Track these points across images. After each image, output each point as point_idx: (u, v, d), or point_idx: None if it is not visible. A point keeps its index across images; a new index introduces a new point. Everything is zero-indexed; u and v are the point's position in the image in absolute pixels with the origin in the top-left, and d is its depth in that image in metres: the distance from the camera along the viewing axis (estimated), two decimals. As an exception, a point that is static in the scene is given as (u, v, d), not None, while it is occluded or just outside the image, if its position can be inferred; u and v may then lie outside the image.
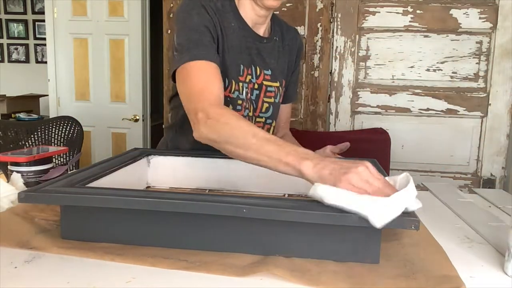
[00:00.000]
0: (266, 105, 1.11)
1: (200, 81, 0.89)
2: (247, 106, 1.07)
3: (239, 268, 0.60)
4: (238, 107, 1.05)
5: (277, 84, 1.13)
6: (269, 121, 1.14)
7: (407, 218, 0.58)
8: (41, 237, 0.69)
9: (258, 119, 1.12)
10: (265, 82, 1.10)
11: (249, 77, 1.07)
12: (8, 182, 0.94)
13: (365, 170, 0.63)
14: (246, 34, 1.05)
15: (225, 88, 1.01)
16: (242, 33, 1.04)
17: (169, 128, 1.18)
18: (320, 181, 0.65)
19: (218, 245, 0.66)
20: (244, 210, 0.60)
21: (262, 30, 1.09)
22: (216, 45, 0.97)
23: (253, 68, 1.07)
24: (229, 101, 1.03)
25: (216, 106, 0.86)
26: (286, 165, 0.71)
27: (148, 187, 1.03)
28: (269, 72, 1.10)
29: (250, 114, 1.09)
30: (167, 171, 1.02)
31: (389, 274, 0.59)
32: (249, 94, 1.07)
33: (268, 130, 1.15)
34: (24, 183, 0.95)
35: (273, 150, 0.73)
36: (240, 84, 1.04)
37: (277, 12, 1.99)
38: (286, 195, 0.98)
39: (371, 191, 0.61)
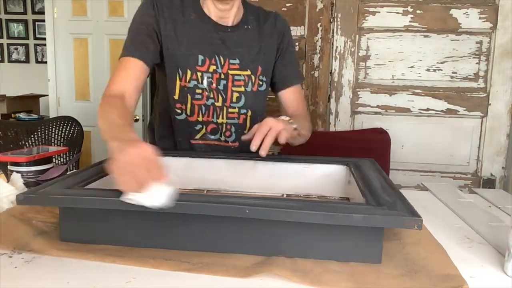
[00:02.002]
0: (236, 94, 1.11)
1: (118, 74, 1.01)
2: (211, 96, 1.09)
3: (241, 269, 0.60)
4: (198, 96, 1.08)
5: (248, 72, 1.12)
6: (243, 111, 1.13)
7: (411, 218, 0.58)
8: (39, 240, 0.68)
9: (230, 110, 1.12)
10: (231, 72, 1.10)
11: (213, 67, 1.08)
12: (8, 182, 0.94)
13: (125, 157, 0.62)
14: (207, 26, 1.09)
15: (180, 78, 1.07)
16: (202, 25, 1.08)
17: (148, 128, 1.27)
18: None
19: (220, 246, 0.65)
20: (247, 211, 0.60)
21: (230, 20, 1.11)
22: (156, 40, 1.05)
23: (216, 58, 1.09)
24: (186, 91, 1.07)
25: (113, 96, 0.95)
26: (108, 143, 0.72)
27: (148, 187, 1.02)
28: (236, 61, 1.11)
29: (219, 104, 1.10)
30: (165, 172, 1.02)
31: (391, 274, 0.59)
32: (214, 84, 1.09)
33: (244, 121, 1.14)
34: (24, 183, 0.95)
35: (110, 130, 0.79)
36: (199, 74, 1.07)
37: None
38: (285, 195, 0.98)
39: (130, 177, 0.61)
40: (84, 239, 0.68)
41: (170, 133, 1.14)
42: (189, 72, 1.06)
